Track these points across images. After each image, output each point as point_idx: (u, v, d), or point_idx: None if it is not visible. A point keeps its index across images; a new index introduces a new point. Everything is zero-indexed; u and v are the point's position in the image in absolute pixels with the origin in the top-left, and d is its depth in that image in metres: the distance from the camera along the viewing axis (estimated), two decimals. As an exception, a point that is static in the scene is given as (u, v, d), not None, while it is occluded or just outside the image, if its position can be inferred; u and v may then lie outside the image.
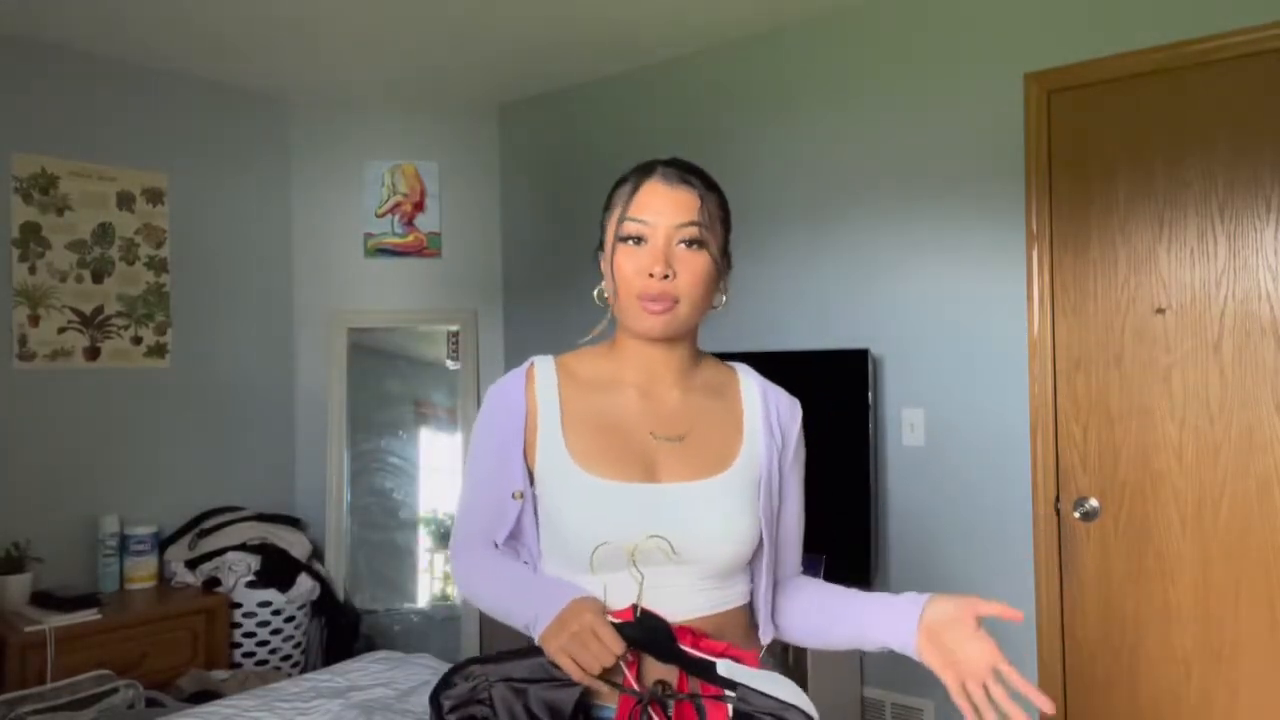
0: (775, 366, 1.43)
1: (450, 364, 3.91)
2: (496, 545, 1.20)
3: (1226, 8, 2.23)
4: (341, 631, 3.50)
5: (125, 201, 3.25)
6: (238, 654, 3.12)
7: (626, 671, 1.02)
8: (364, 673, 2.40)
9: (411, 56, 3.32)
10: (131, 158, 3.27)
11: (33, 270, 3.02)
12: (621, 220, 1.14)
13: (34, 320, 3.02)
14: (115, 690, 2.58)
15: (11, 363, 2.98)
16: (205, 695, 2.70)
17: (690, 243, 1.12)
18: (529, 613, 1.07)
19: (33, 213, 3.03)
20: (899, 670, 2.77)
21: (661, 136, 3.27)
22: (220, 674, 2.93)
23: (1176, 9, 2.31)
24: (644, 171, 1.16)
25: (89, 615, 2.78)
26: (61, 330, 3.09)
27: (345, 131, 3.82)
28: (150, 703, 2.65)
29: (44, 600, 2.82)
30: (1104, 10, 2.42)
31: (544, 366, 1.21)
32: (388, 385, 3.93)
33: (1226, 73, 2.26)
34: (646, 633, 1.03)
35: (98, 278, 3.17)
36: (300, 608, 3.25)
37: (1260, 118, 2.21)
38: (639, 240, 1.13)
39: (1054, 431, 2.50)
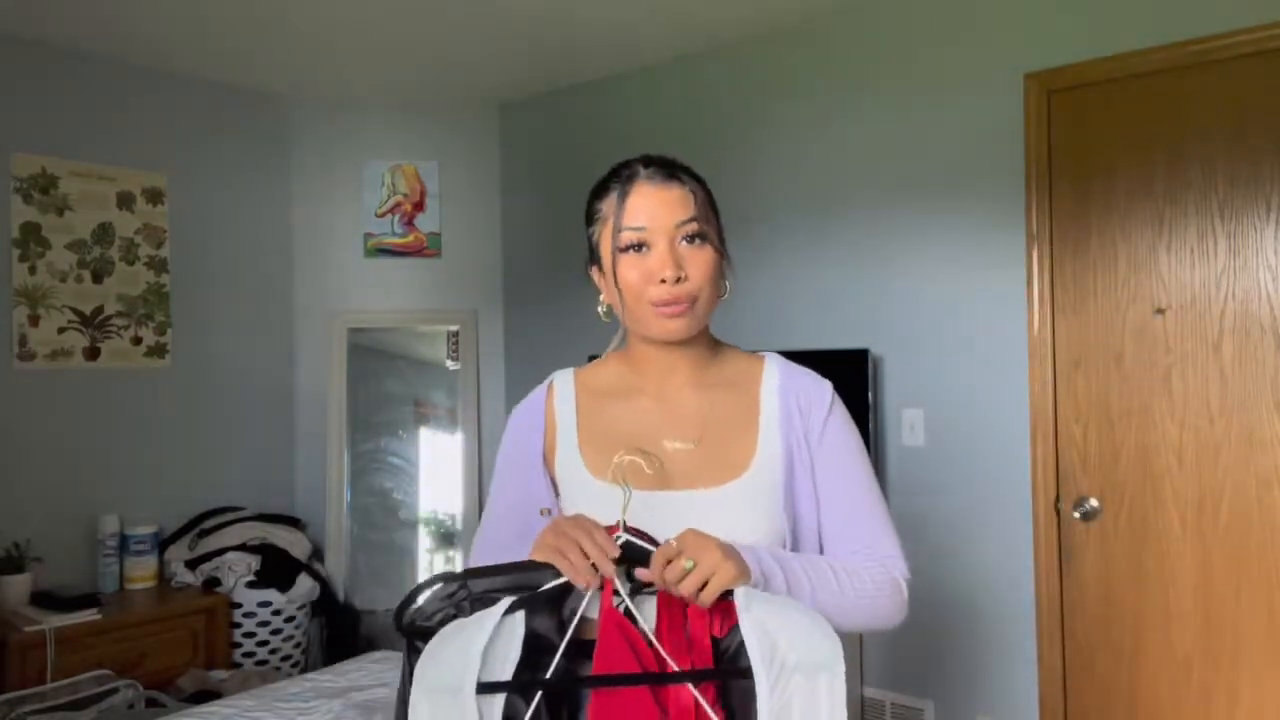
0: (775, 366, 1.42)
1: (450, 364, 3.91)
2: None
3: (1226, 8, 2.23)
4: (341, 631, 3.50)
5: (125, 201, 3.25)
6: (238, 654, 3.12)
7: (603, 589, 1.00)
8: (364, 673, 2.40)
9: (411, 56, 3.32)
10: (131, 158, 3.27)
11: (33, 270, 3.02)
12: (618, 231, 1.10)
13: (34, 320, 3.02)
14: (115, 690, 2.58)
15: (11, 363, 2.98)
16: (205, 695, 2.70)
17: (693, 238, 1.10)
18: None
19: (33, 213, 3.02)
20: (899, 670, 2.77)
21: (661, 136, 3.27)
22: (220, 674, 2.93)
23: (1176, 9, 2.31)
24: (627, 177, 1.13)
25: (89, 615, 2.78)
26: (61, 330, 3.09)
27: (345, 131, 3.82)
28: (150, 703, 2.66)
29: (44, 600, 2.82)
30: (1104, 10, 2.42)
31: (563, 382, 1.23)
32: (388, 385, 3.93)
33: (1226, 73, 2.26)
34: (633, 550, 1.01)
35: (98, 278, 3.17)
36: (300, 608, 3.25)
37: (1260, 118, 2.21)
38: (640, 247, 1.10)
39: (1054, 431, 2.50)
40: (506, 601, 0.97)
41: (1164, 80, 2.34)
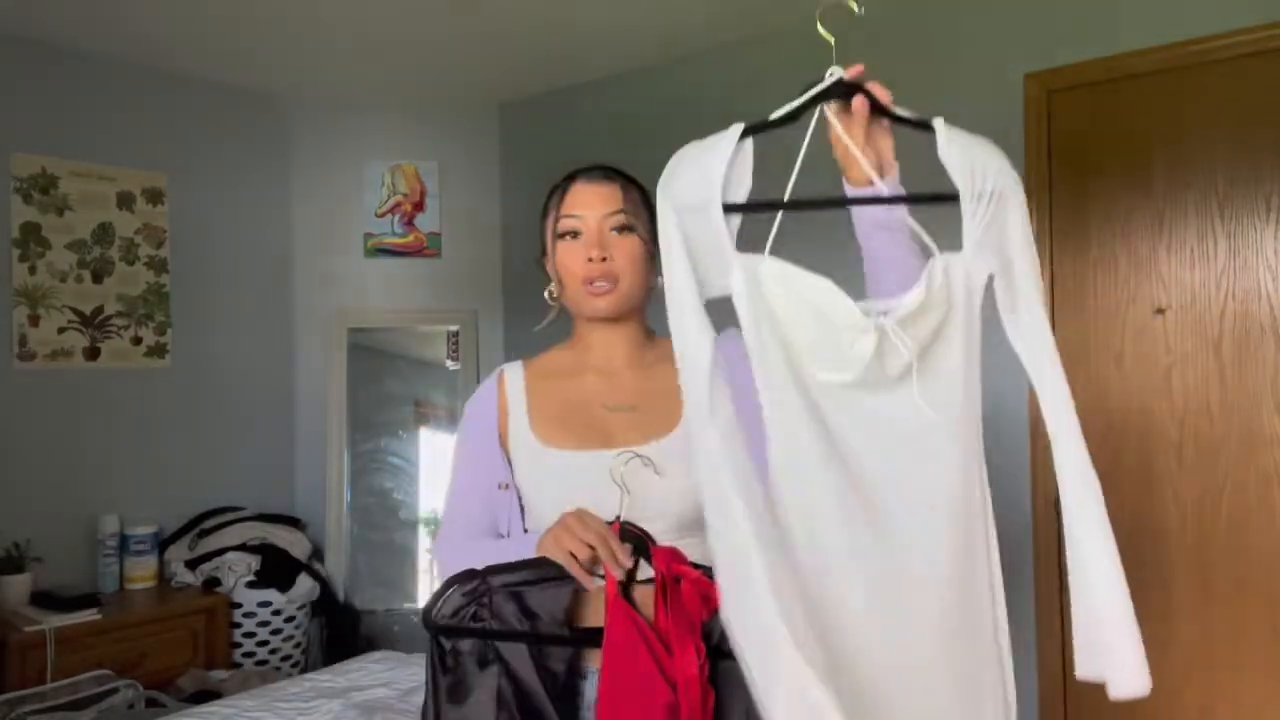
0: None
1: (450, 364, 3.91)
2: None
3: (1226, 8, 2.23)
4: (341, 631, 3.50)
5: (125, 201, 3.25)
6: (238, 654, 3.12)
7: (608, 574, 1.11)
8: (364, 673, 2.41)
9: (411, 56, 3.32)
10: (131, 158, 3.27)
11: (33, 270, 3.02)
12: (557, 220, 1.30)
13: (34, 320, 3.02)
14: (115, 690, 2.58)
15: (11, 363, 2.98)
16: (205, 695, 2.70)
17: (620, 229, 1.27)
18: (521, 553, 1.16)
19: (33, 213, 3.02)
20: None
21: (661, 136, 3.24)
22: (220, 674, 2.93)
23: (1176, 9, 2.31)
24: (569, 177, 1.32)
25: (89, 615, 2.78)
26: (61, 330, 3.09)
27: (345, 131, 3.82)
28: (150, 703, 2.66)
29: (44, 600, 2.82)
30: (1104, 10, 2.42)
31: (512, 371, 1.37)
32: (388, 385, 3.93)
33: (1226, 73, 2.25)
34: (630, 539, 1.13)
35: (98, 278, 3.17)
36: (300, 608, 3.25)
37: (1260, 118, 2.21)
38: (575, 235, 1.28)
39: (1054, 431, 2.49)
40: (740, 126, 1.05)
41: (1164, 80, 2.34)
